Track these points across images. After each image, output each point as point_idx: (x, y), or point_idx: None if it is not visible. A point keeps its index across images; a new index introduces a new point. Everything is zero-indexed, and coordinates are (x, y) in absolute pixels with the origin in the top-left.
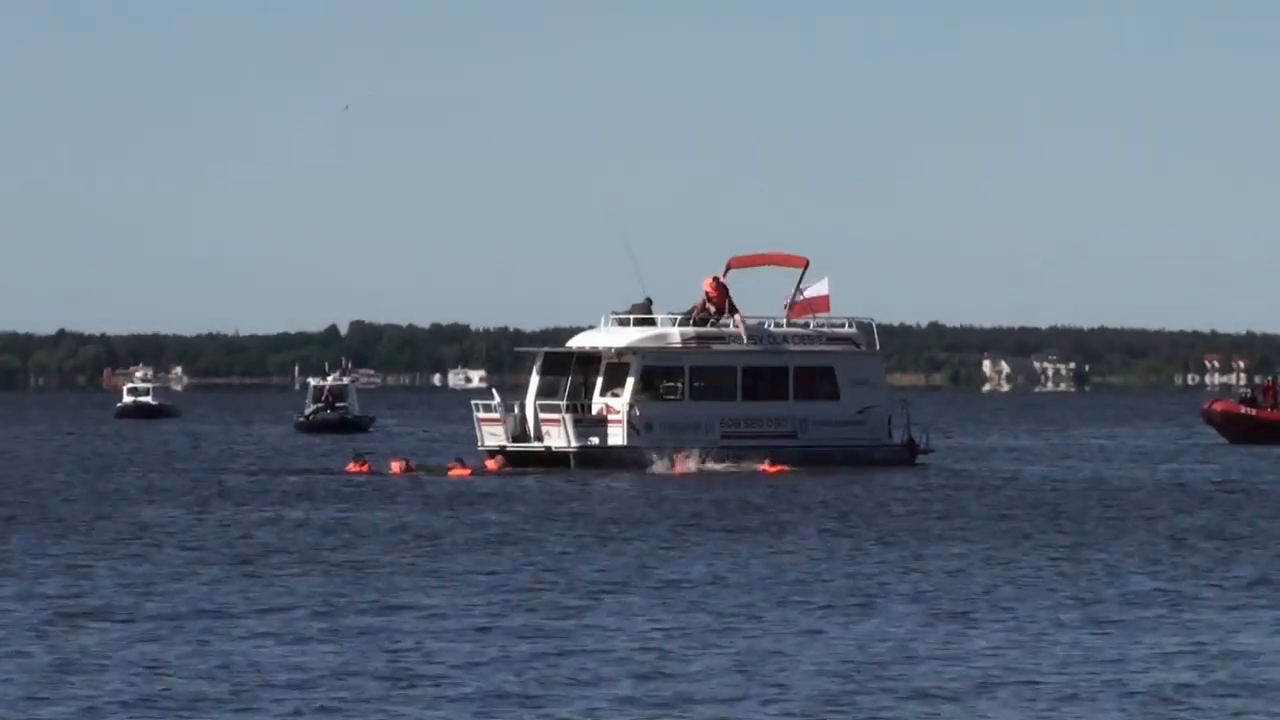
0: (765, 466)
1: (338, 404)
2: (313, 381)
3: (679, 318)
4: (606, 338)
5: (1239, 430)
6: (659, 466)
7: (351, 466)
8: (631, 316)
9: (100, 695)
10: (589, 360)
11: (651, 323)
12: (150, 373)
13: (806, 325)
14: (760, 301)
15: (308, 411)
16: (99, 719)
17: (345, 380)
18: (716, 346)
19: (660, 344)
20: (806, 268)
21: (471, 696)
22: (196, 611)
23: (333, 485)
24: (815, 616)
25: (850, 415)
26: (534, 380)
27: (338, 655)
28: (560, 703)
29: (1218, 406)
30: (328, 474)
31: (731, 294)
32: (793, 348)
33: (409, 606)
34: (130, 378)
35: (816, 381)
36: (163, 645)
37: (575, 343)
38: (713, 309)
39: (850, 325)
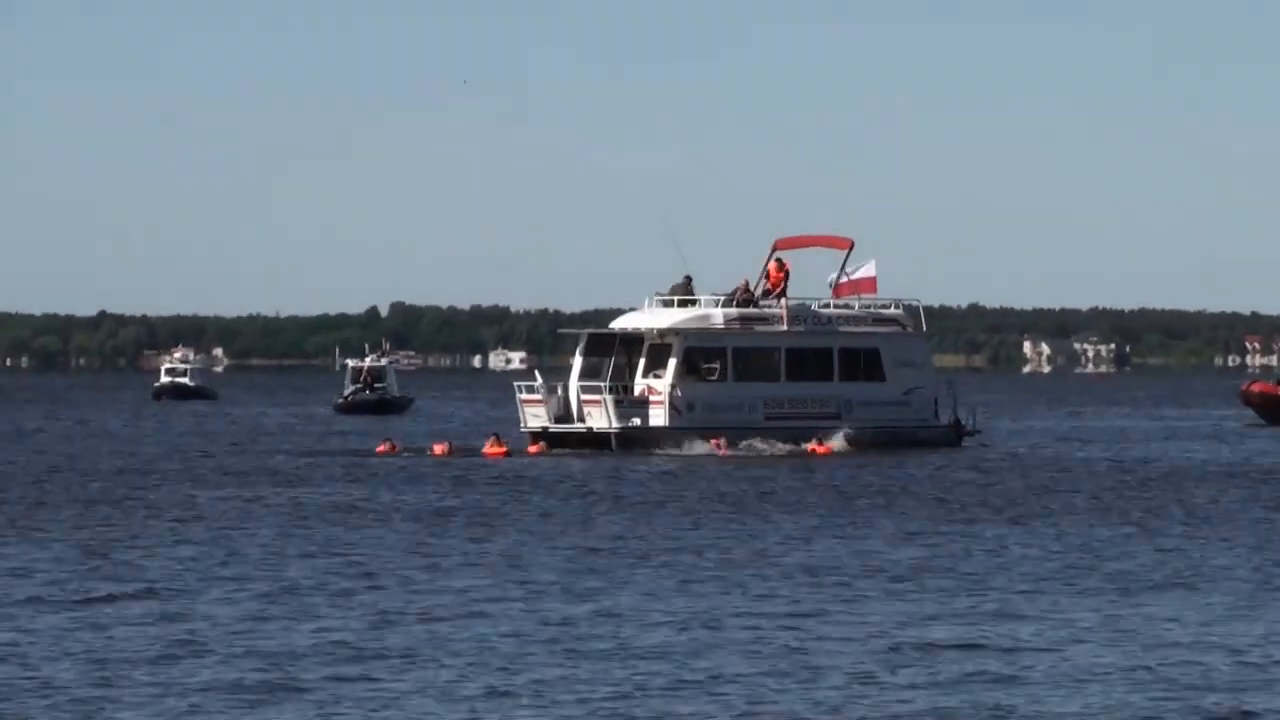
0: (813, 446)
1: (376, 385)
2: (351, 363)
3: (722, 298)
4: (649, 319)
5: (1276, 411)
6: (688, 448)
7: (381, 448)
8: (675, 298)
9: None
10: (632, 341)
11: (693, 302)
12: (191, 353)
13: (852, 307)
14: (806, 283)
15: (346, 393)
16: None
17: (383, 361)
18: (760, 328)
19: (703, 325)
20: (851, 249)
21: (440, 676)
22: (158, 588)
23: (353, 466)
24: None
25: (896, 396)
26: (577, 361)
27: (307, 632)
28: (541, 675)
29: (1255, 388)
30: (356, 455)
31: (790, 279)
32: (837, 329)
33: (383, 586)
34: (168, 358)
35: (861, 363)
36: (132, 618)
37: (619, 324)
38: (769, 288)
39: (897, 307)
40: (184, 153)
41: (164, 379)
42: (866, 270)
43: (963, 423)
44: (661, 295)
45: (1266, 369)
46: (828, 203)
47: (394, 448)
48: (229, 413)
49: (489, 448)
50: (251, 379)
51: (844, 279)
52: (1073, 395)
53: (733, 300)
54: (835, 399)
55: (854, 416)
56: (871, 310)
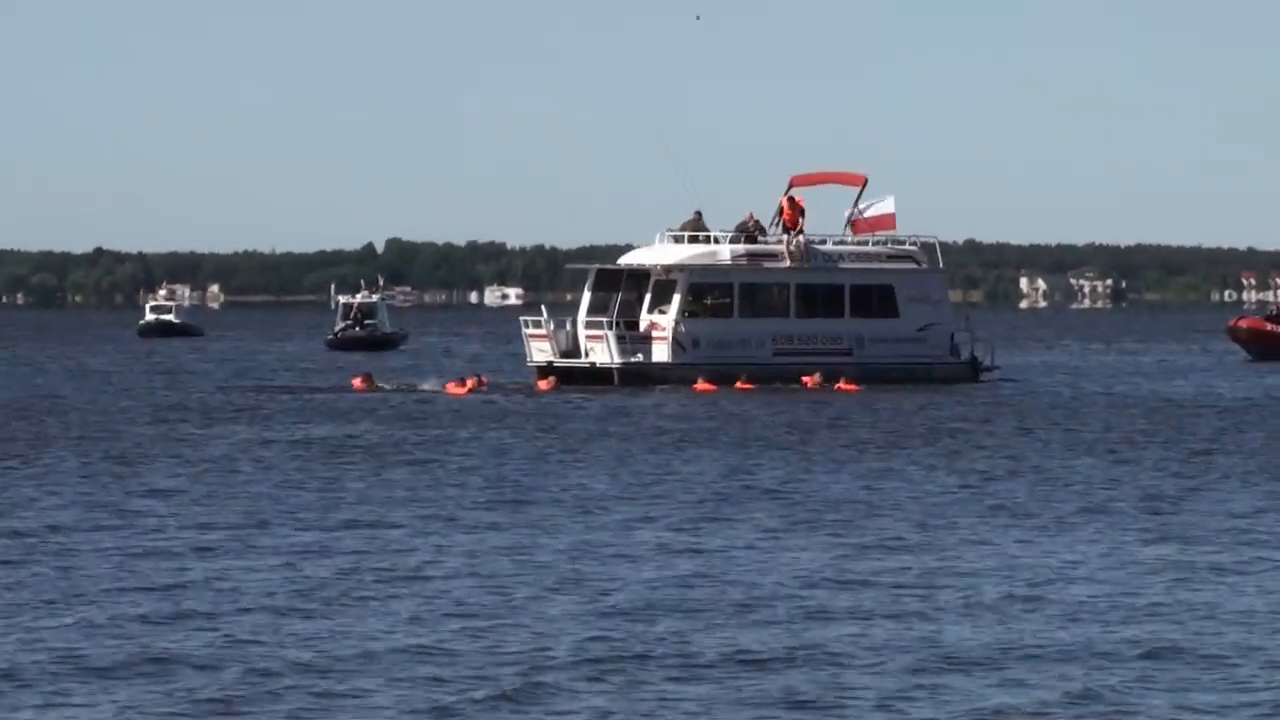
0: (843, 384)
1: (366, 321)
2: (342, 299)
3: (731, 234)
4: (657, 255)
5: (1265, 347)
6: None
7: (358, 383)
8: (685, 234)
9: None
10: (639, 277)
11: (705, 239)
12: (188, 290)
13: (865, 243)
14: (822, 219)
15: (336, 329)
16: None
17: (374, 298)
18: (768, 264)
19: (709, 261)
20: (864, 186)
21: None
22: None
23: (324, 402)
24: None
25: (909, 333)
26: (585, 297)
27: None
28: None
29: (1244, 323)
30: (335, 392)
31: (804, 218)
32: (849, 265)
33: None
34: (154, 296)
35: (874, 299)
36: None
37: (626, 260)
38: (787, 225)
39: (914, 243)
40: (181, 88)
41: (149, 317)
42: (885, 206)
43: (980, 359)
44: (672, 231)
45: (1263, 304)
46: (827, 139)
47: (371, 383)
48: (215, 349)
49: (450, 388)
50: (248, 316)
51: (858, 215)
52: (1069, 331)
53: (743, 233)
54: (846, 335)
55: (865, 353)
56: (885, 247)
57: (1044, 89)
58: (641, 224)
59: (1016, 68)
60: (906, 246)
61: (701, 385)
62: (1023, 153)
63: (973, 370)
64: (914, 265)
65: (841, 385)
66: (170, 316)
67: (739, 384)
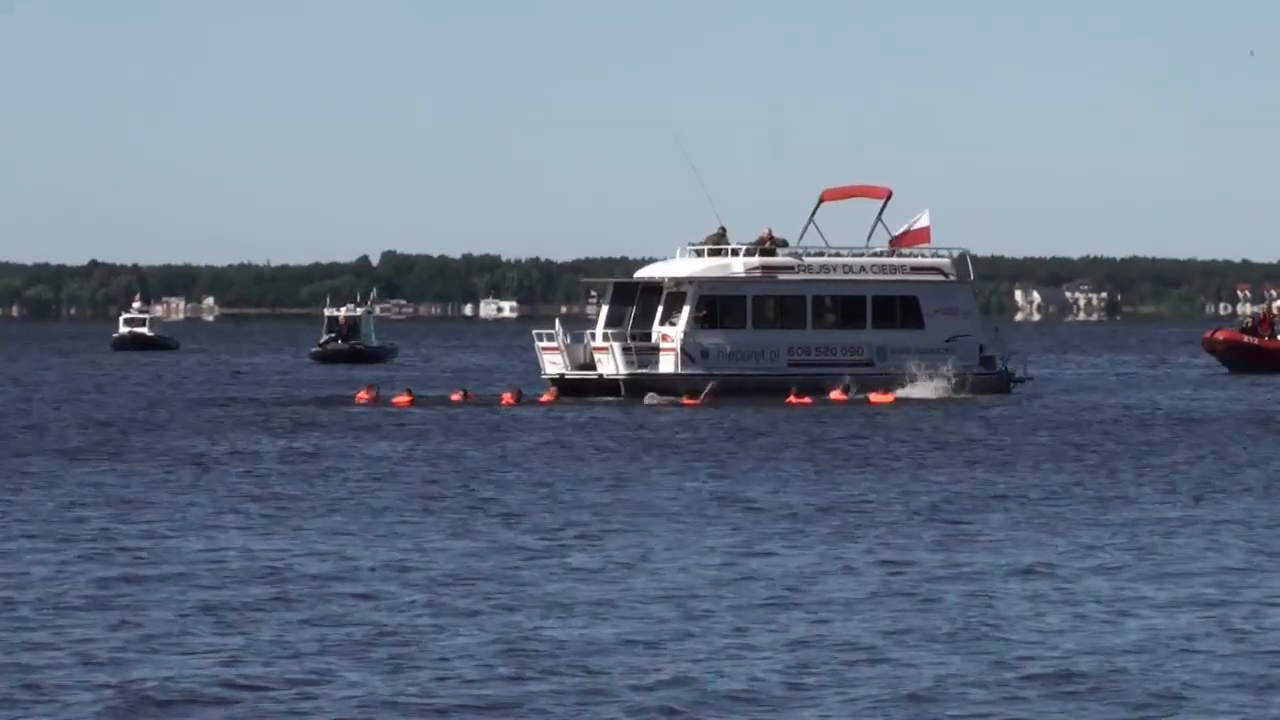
0: (876, 396)
1: (351, 334)
2: (328, 312)
3: (746, 247)
4: (671, 268)
5: (1241, 359)
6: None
7: (362, 395)
8: (706, 248)
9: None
10: (653, 290)
11: (724, 253)
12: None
13: (890, 254)
14: (849, 231)
15: (321, 341)
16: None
17: (359, 311)
18: (784, 276)
19: (720, 274)
20: (889, 199)
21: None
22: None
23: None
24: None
25: (935, 344)
26: (603, 310)
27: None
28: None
29: (1220, 335)
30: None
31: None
32: (870, 277)
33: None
34: (132, 309)
35: (897, 310)
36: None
37: (641, 274)
38: None
39: (942, 254)
40: (176, 100)
41: (123, 329)
42: (921, 220)
43: (1011, 371)
44: (694, 245)
45: (1255, 316)
46: (823, 151)
47: (374, 396)
48: (188, 361)
49: (396, 400)
50: (242, 328)
51: (899, 232)
52: (1060, 343)
53: (757, 249)
54: (867, 346)
55: (888, 364)
56: (909, 258)
57: (1038, 101)
58: (640, 237)
59: (1011, 81)
60: (934, 258)
61: (688, 400)
62: (1017, 165)
63: (1003, 382)
64: (940, 277)
65: (874, 398)
66: (144, 329)
67: (791, 398)
